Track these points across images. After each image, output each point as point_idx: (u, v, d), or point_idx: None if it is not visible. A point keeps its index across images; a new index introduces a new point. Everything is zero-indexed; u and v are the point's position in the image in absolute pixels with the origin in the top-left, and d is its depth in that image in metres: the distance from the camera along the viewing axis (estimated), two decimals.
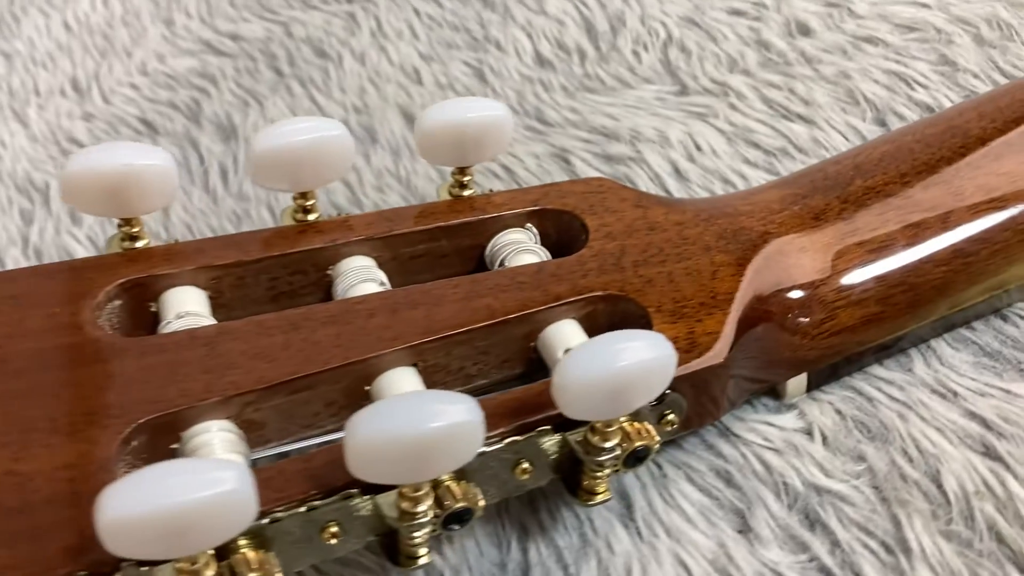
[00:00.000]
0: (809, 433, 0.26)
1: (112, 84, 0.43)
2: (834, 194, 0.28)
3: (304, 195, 0.26)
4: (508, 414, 0.22)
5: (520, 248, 0.26)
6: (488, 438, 0.21)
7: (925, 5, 0.38)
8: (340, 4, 0.46)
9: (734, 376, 0.25)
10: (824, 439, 0.26)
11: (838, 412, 0.26)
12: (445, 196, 0.28)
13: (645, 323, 0.24)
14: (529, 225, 0.27)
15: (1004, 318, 0.28)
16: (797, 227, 0.27)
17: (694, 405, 0.24)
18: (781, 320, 0.25)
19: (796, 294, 0.26)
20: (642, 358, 0.20)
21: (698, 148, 0.34)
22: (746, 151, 0.34)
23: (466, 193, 0.28)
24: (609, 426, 0.22)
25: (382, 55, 0.42)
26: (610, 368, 0.20)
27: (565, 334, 0.24)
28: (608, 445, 0.22)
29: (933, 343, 0.27)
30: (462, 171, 0.27)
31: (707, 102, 0.36)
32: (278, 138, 0.25)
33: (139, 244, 0.25)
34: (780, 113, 0.35)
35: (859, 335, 0.26)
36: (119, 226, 0.25)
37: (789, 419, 0.26)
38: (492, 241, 0.27)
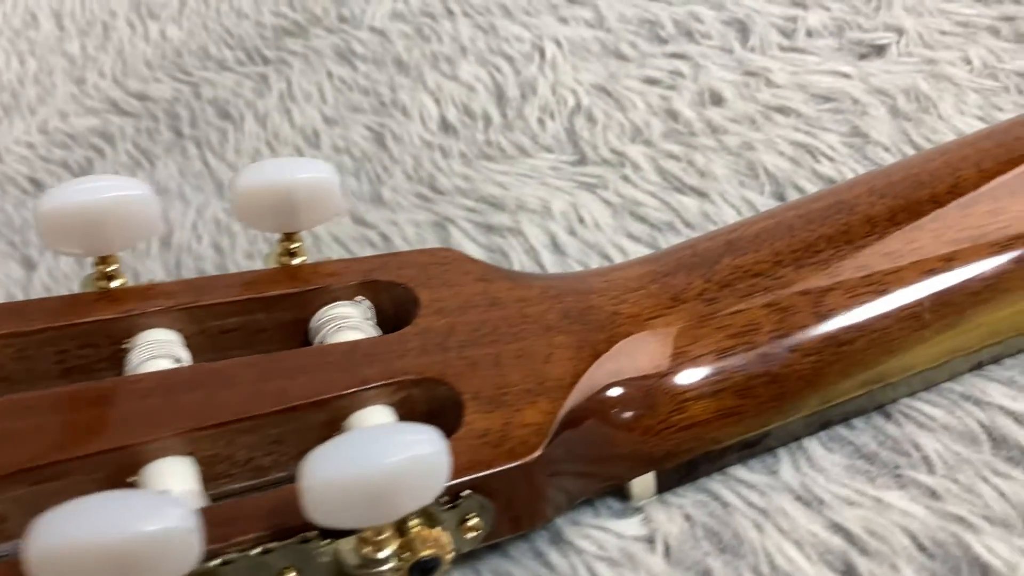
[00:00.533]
0: (651, 542, 0.23)
1: (9, 143, 0.42)
2: (698, 273, 0.25)
3: (104, 260, 0.24)
4: (267, 515, 0.19)
5: (344, 324, 0.24)
6: (239, 543, 0.19)
7: (846, 75, 0.36)
8: (255, 65, 0.45)
9: (564, 473, 0.22)
10: (667, 550, 0.23)
11: (687, 518, 0.23)
12: (273, 264, 0.25)
13: (457, 411, 0.22)
14: (360, 298, 0.25)
15: (887, 415, 0.25)
16: (651, 308, 0.24)
17: (508, 507, 0.21)
18: (612, 414, 0.22)
19: (636, 384, 0.23)
20: (396, 459, 0.18)
21: (580, 220, 0.31)
22: (630, 224, 0.31)
23: (295, 261, 0.25)
24: (380, 533, 0.19)
25: (285, 117, 0.40)
26: (357, 469, 0.17)
27: (373, 422, 0.22)
28: (381, 556, 0.19)
29: (805, 442, 0.24)
30: (289, 237, 0.25)
31: (600, 172, 0.34)
32: (69, 197, 0.23)
33: None
34: (673, 185, 0.32)
35: (715, 431, 0.23)
36: None
37: (631, 525, 0.23)
38: (316, 315, 0.25)
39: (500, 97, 0.39)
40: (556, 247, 0.31)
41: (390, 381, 0.22)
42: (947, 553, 0.22)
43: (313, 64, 0.44)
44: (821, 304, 0.24)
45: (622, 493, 0.24)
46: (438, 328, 0.23)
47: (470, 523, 0.21)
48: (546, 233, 0.31)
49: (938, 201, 0.26)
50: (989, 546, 0.21)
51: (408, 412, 0.22)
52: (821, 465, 0.24)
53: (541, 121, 0.37)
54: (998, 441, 0.24)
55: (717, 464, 0.24)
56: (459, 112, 0.39)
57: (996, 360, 0.25)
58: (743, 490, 0.24)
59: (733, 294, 0.24)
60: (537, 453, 0.21)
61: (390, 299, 0.25)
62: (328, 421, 0.22)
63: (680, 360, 0.23)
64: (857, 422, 0.25)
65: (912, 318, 0.24)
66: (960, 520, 0.22)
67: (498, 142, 0.37)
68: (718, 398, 0.23)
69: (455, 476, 0.20)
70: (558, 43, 0.42)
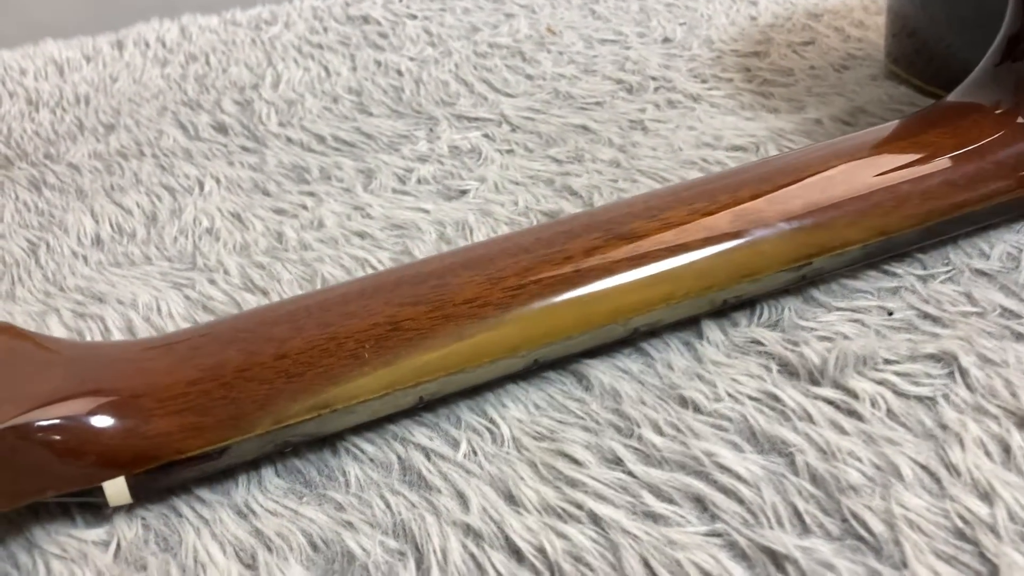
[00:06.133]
0: (107, 544, 0.28)
1: None
2: (199, 332, 0.31)
3: None
4: None
5: None
6: None
7: (425, 211, 0.44)
8: None
9: (15, 465, 0.27)
10: (117, 550, 0.28)
11: (145, 526, 0.29)
12: None
13: None
14: None
15: (335, 451, 0.31)
16: (143, 353, 0.30)
17: None
18: (82, 424, 0.28)
19: (107, 403, 0.28)
20: None
21: (158, 310, 0.38)
22: (198, 314, 0.38)
23: None
24: None
25: None
26: None
27: None
28: None
29: (264, 471, 0.30)
30: None
31: (196, 276, 0.40)
32: None
33: None
34: (246, 287, 0.39)
35: (178, 442, 0.28)
36: None
37: (96, 532, 0.28)
38: None
39: (152, 219, 0.46)
40: (128, 330, 0.37)
41: None
42: (330, 548, 0.28)
43: (6, 190, 0.50)
44: (281, 348, 0.30)
45: (99, 506, 0.29)
46: None
47: None
48: (124, 319, 0.37)
49: (401, 280, 0.33)
50: (359, 542, 0.28)
51: None
52: (267, 488, 0.30)
53: (175, 239, 0.44)
54: (406, 469, 0.30)
55: (188, 473, 0.29)
56: (112, 230, 0.45)
57: (437, 396, 0.32)
58: (197, 505, 0.29)
59: (216, 342, 0.31)
60: None
61: None
62: None
63: (152, 389, 0.29)
64: (311, 456, 0.31)
65: (353, 356, 0.30)
66: (348, 524, 0.28)
67: (132, 253, 0.43)
68: (181, 415, 0.29)
69: None
70: (218, 180, 0.49)
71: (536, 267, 0.33)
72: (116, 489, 0.29)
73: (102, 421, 0.28)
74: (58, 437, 0.27)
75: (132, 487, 0.29)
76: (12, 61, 0.65)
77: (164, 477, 0.29)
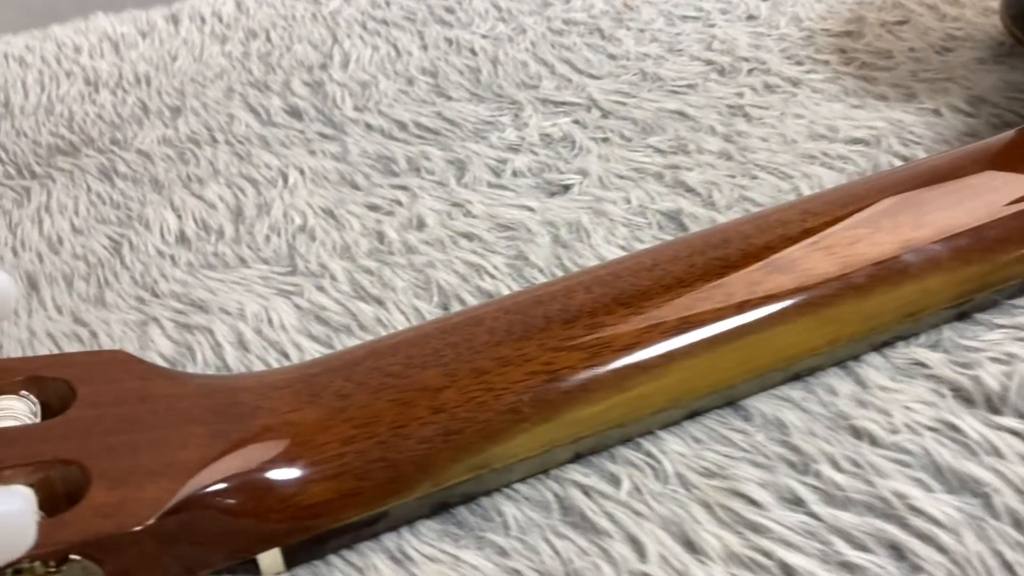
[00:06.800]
0: None
1: None
2: (340, 373, 0.29)
3: None
4: None
5: (3, 414, 0.27)
6: None
7: (530, 209, 0.42)
8: (23, 179, 0.48)
9: (183, 545, 0.25)
10: None
11: None
12: None
13: (84, 488, 0.25)
14: (25, 392, 0.28)
15: (488, 495, 0.29)
16: (290, 403, 0.28)
17: (118, 572, 0.24)
18: (230, 497, 0.26)
19: (258, 471, 0.26)
20: None
21: (269, 321, 0.36)
22: (312, 326, 0.35)
23: None
24: None
25: (35, 227, 0.44)
26: None
27: None
28: None
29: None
30: None
31: (301, 282, 0.38)
32: None
33: None
34: (359, 295, 0.37)
35: (336, 510, 0.27)
36: None
37: None
38: None
39: (238, 215, 0.44)
40: (241, 344, 0.35)
41: (26, 463, 0.25)
42: None
43: (76, 180, 0.47)
44: (436, 399, 0.28)
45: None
46: (86, 418, 0.26)
47: None
48: (234, 332, 0.35)
49: (549, 316, 0.30)
50: None
51: (48, 491, 0.25)
52: (419, 529, 0.28)
53: (268, 237, 0.42)
54: (566, 509, 0.28)
55: (343, 540, 0.27)
56: (197, 226, 0.43)
57: (594, 451, 0.30)
58: (346, 552, 0.27)
59: (364, 391, 0.28)
60: (143, 525, 0.24)
61: (56, 394, 0.28)
62: None
63: (305, 449, 0.27)
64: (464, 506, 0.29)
65: (512, 411, 0.28)
66: (516, 573, 0.26)
67: (224, 253, 0.41)
68: (339, 480, 0.26)
69: (65, 543, 0.23)
70: (301, 171, 0.47)
71: (695, 305, 0.30)
72: (270, 560, 0.27)
73: (251, 495, 0.26)
74: (232, 501, 0.25)
75: (286, 555, 0.27)
76: (65, 37, 0.61)
77: (318, 548, 0.27)
